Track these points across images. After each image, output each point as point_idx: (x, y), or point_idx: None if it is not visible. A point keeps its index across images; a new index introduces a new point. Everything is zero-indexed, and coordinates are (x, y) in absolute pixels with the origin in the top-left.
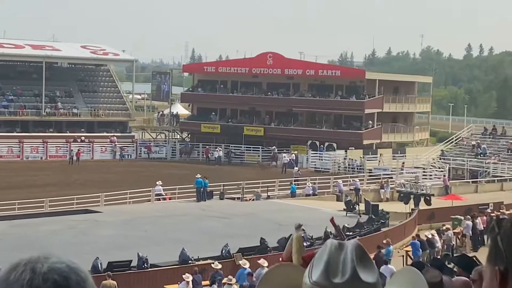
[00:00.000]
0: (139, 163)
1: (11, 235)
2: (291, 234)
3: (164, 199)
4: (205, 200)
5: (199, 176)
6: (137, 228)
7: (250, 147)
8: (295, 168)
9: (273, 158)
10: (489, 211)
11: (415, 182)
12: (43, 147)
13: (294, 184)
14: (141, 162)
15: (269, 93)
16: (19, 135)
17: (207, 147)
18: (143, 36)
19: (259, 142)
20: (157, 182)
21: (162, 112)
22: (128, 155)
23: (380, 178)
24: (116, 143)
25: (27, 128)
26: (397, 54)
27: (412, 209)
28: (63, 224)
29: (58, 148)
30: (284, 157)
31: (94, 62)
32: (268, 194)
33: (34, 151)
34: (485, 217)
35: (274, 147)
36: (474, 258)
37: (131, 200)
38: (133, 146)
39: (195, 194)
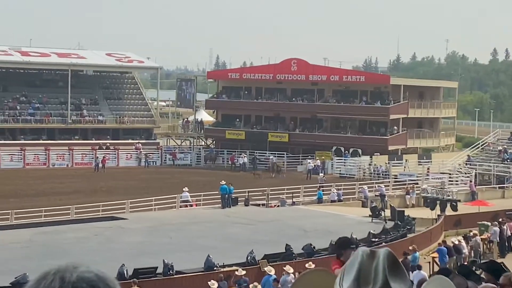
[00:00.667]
0: (164, 170)
1: (38, 242)
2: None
3: (191, 205)
4: (230, 207)
5: (223, 182)
6: (163, 234)
7: (275, 153)
8: (320, 174)
9: (272, 168)
10: None
11: (441, 188)
12: (69, 155)
13: (321, 190)
14: (166, 169)
15: (293, 99)
16: (45, 142)
17: (232, 153)
18: (167, 43)
19: (284, 148)
20: (184, 189)
21: (187, 118)
22: (153, 162)
23: (405, 184)
24: (141, 150)
25: (53, 136)
26: (422, 59)
27: (438, 215)
28: (89, 231)
29: (84, 155)
30: (309, 163)
31: (119, 69)
32: (293, 200)
33: (60, 158)
34: None
35: (272, 157)
36: (502, 264)
37: (157, 206)
38: (158, 153)
39: (220, 200)
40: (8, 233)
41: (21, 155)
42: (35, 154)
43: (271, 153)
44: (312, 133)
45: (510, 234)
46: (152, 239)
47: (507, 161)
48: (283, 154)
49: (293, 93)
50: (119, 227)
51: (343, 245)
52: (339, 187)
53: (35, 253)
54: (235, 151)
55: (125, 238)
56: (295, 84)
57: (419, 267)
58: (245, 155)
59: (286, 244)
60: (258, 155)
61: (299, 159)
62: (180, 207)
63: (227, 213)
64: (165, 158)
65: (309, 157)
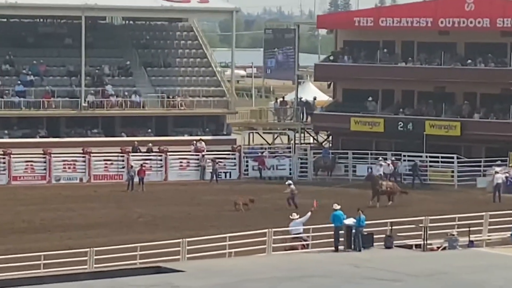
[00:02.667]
0: (245, 187)
1: None
2: None
3: (304, 245)
4: (359, 250)
5: (338, 207)
6: None
7: (438, 157)
8: None
9: (370, 178)
10: None
11: None
12: (84, 162)
13: None
14: (249, 185)
15: (469, 61)
16: (44, 141)
17: (364, 157)
18: None
19: (452, 148)
20: (293, 215)
21: (283, 98)
22: (225, 173)
23: None
24: (206, 154)
25: (56, 130)
26: None
27: None
28: None
29: (109, 162)
30: (496, 173)
31: (167, 14)
32: (470, 239)
33: (69, 168)
34: None
35: (381, 161)
36: None
37: (233, 250)
38: (234, 158)
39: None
40: None
41: (4, 163)
42: (27, 162)
43: (430, 156)
44: (503, 121)
45: None
46: None
47: None
48: (452, 157)
49: (468, 50)
50: (170, 285)
51: None
52: None
53: None
54: (368, 154)
55: None
56: (472, 36)
57: None
58: (385, 161)
59: None
60: (409, 159)
61: (479, 166)
62: (286, 248)
63: (354, 261)
64: (247, 166)
65: (498, 162)
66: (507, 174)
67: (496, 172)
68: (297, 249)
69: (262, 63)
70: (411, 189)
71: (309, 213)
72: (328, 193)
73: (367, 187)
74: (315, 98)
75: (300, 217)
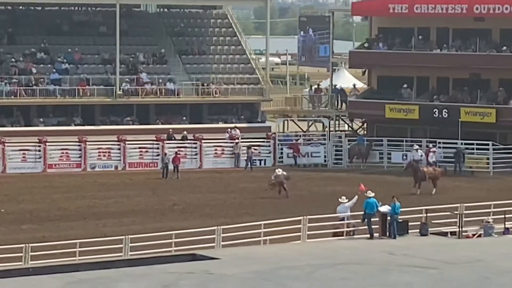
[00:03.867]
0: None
1: None
2: None
3: (352, 231)
4: (394, 237)
5: (372, 194)
6: (279, 286)
7: (473, 144)
8: None
9: (410, 166)
10: None
11: None
12: (119, 150)
13: None
14: (288, 173)
15: (504, 47)
16: (79, 129)
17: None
18: None
19: (488, 135)
20: (341, 199)
21: (318, 85)
22: (260, 160)
23: None
24: (240, 141)
25: (91, 118)
26: None
27: None
28: (154, 279)
29: (143, 150)
30: None
31: (201, 2)
32: (506, 226)
33: (104, 156)
34: None
35: (417, 147)
36: None
37: (268, 237)
38: (269, 146)
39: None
40: (22, 283)
41: (39, 151)
42: (63, 149)
43: (465, 143)
44: None
45: None
46: None
47: None
48: (487, 144)
49: (504, 37)
50: (205, 273)
51: None
52: None
53: None
54: (403, 141)
55: None
56: (508, 22)
57: None
58: (419, 148)
59: None
60: (447, 146)
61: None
62: (335, 234)
63: (389, 248)
64: (281, 153)
65: None
66: None
67: None
68: (342, 233)
69: (297, 51)
70: (453, 176)
71: (356, 197)
72: (364, 180)
73: (404, 174)
74: (354, 85)
75: (348, 201)
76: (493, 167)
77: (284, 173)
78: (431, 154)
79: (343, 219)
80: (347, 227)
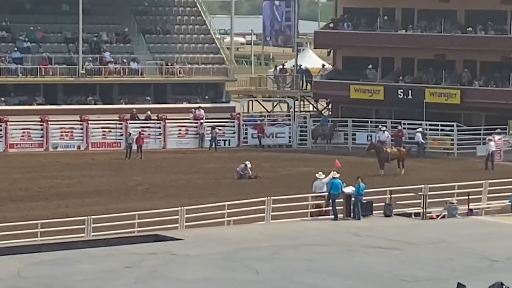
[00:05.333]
0: (244, 155)
1: (33, 280)
2: None
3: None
4: (359, 218)
5: (337, 175)
6: (242, 267)
7: (437, 125)
8: None
9: (372, 147)
10: None
11: None
12: (82, 130)
13: None
14: (248, 153)
15: (469, 28)
16: (41, 108)
17: (365, 125)
18: None
19: (452, 116)
20: (318, 174)
21: (283, 65)
22: (225, 141)
23: None
24: (204, 121)
25: (54, 97)
26: None
27: None
28: (117, 260)
29: (107, 130)
30: (490, 140)
31: None
32: (470, 207)
33: (67, 135)
34: None
35: (384, 129)
36: None
37: (232, 218)
38: (234, 126)
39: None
40: None
41: (1, 130)
42: (24, 129)
43: (430, 123)
44: (502, 89)
45: None
46: (225, 274)
47: None
48: (452, 125)
49: (469, 18)
50: (169, 254)
51: None
52: None
53: None
54: (368, 121)
55: (178, 272)
56: (473, 3)
57: None
58: (385, 128)
59: (459, 284)
60: (410, 127)
61: (479, 134)
62: (313, 206)
63: (354, 229)
64: (246, 134)
65: (498, 130)
66: (505, 141)
67: (490, 140)
68: (322, 207)
69: (262, 30)
70: (417, 157)
71: (332, 173)
72: (329, 161)
73: (369, 155)
74: (323, 66)
75: (325, 177)
76: (457, 148)
77: (248, 164)
78: (417, 134)
79: (320, 194)
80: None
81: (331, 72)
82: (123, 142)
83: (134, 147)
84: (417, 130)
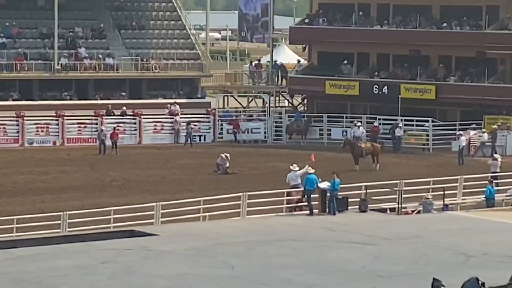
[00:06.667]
0: (219, 151)
1: (9, 275)
2: None
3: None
4: (334, 213)
5: (311, 170)
6: (218, 262)
7: (413, 120)
8: (495, 155)
9: (347, 143)
10: None
11: None
12: (57, 125)
13: (492, 185)
14: (223, 149)
15: (444, 24)
16: (17, 104)
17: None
18: None
19: (428, 111)
20: (292, 166)
21: (258, 61)
22: (200, 136)
23: None
24: (180, 117)
25: (29, 93)
26: None
27: None
28: (92, 256)
29: (82, 126)
30: (461, 135)
31: None
32: (446, 203)
33: (42, 131)
34: None
35: (359, 124)
36: None
37: (207, 214)
38: (209, 121)
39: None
40: None
41: None
42: (0, 124)
43: (406, 119)
44: (478, 84)
45: None
46: (200, 269)
47: None
48: (427, 120)
49: (444, 13)
50: (144, 249)
51: None
52: None
53: None
54: (343, 117)
55: (154, 268)
56: None
57: None
58: (360, 123)
59: (434, 279)
60: (386, 123)
61: (454, 129)
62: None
63: (329, 225)
64: (221, 129)
65: (473, 125)
66: (479, 137)
67: (460, 135)
68: (294, 200)
69: (237, 26)
70: (392, 153)
71: (307, 166)
72: (304, 157)
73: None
74: (299, 61)
75: (299, 170)
76: (433, 143)
77: (227, 155)
78: (397, 129)
79: (294, 186)
80: (300, 195)
81: (306, 67)
82: (98, 138)
83: (109, 142)
84: (398, 124)
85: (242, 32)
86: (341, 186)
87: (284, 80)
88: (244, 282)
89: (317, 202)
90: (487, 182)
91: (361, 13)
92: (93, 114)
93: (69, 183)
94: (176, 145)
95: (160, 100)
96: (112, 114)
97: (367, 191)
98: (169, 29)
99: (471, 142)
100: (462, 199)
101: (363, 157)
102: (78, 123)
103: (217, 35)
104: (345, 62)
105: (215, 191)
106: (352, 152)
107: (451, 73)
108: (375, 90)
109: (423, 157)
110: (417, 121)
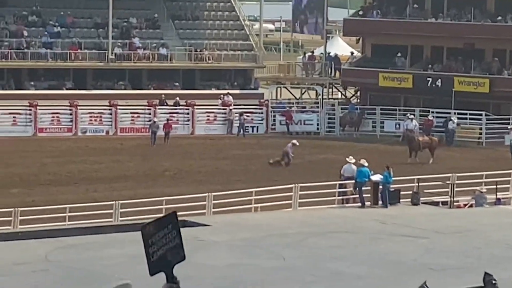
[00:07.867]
0: (272, 142)
1: (60, 264)
2: None
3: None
4: (386, 207)
5: (365, 163)
6: (269, 253)
7: (466, 114)
8: None
9: (407, 136)
10: None
11: None
12: (110, 115)
13: None
14: (276, 140)
15: (499, 17)
16: (71, 93)
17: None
18: None
19: (481, 105)
20: (348, 158)
21: (312, 53)
22: (253, 127)
23: None
24: (233, 108)
25: (83, 82)
26: None
27: None
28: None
29: (136, 115)
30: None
31: None
32: (498, 197)
33: (96, 120)
34: None
35: (412, 117)
36: None
37: (258, 205)
38: (262, 113)
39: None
40: (10, 247)
41: (30, 115)
42: (53, 113)
43: (459, 112)
44: None
45: None
46: (251, 260)
47: None
48: (480, 114)
49: (499, 6)
50: (196, 239)
51: None
52: None
53: (55, 283)
54: (396, 110)
55: (205, 258)
56: None
57: None
58: (413, 116)
59: (486, 274)
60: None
61: (507, 123)
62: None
63: (381, 218)
64: (274, 120)
65: None
66: None
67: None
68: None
69: (291, 18)
70: (446, 146)
71: (362, 160)
72: (356, 149)
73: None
74: (352, 53)
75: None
76: (486, 137)
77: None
78: (450, 122)
79: (348, 178)
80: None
81: (359, 59)
82: (151, 128)
83: (163, 133)
84: (452, 118)
85: (296, 24)
86: (393, 179)
87: (337, 72)
88: (295, 273)
89: (369, 195)
90: None
91: (415, 5)
92: (146, 104)
93: (122, 173)
94: (229, 135)
95: (213, 91)
96: (165, 104)
97: (420, 184)
98: (223, 20)
99: None
100: None
101: (420, 151)
102: (131, 113)
103: (271, 26)
104: (399, 54)
105: (267, 182)
106: (409, 145)
107: (505, 66)
108: (429, 83)
109: (476, 151)
110: (470, 114)
